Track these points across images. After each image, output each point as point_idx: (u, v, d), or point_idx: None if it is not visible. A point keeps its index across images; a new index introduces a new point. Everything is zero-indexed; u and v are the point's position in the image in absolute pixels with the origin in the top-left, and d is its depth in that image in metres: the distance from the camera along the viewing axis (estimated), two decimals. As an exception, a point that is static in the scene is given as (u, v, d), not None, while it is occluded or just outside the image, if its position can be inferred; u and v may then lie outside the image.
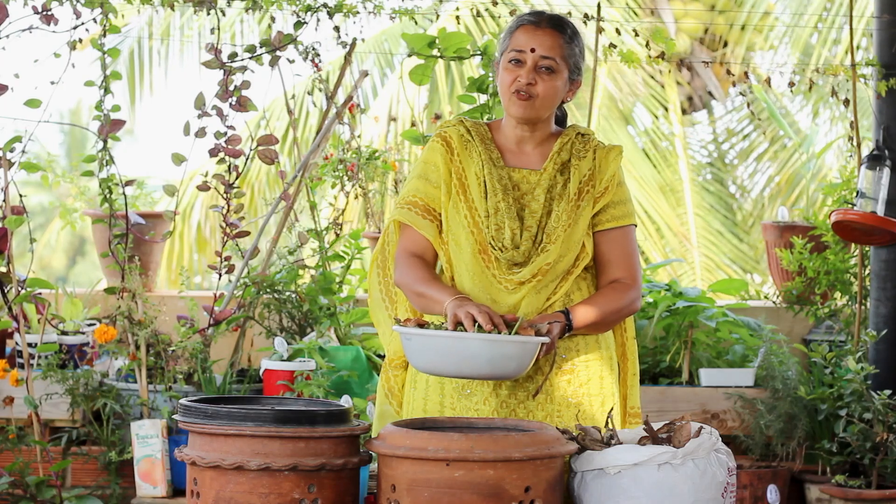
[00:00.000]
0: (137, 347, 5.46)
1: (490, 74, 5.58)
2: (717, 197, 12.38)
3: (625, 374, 3.59)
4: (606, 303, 3.45)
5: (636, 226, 3.59)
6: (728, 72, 6.59)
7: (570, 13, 6.18)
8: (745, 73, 6.52)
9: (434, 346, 3.20)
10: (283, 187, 5.80)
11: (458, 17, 9.69)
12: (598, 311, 3.43)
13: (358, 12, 5.78)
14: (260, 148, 5.35)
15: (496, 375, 3.23)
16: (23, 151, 5.25)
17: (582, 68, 3.54)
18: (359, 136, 6.14)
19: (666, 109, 12.23)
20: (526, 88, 3.44)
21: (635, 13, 11.75)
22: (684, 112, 12.85)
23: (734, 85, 12.45)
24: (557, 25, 3.49)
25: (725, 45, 12.67)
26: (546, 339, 3.25)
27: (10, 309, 5.27)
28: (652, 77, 11.94)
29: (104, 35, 5.41)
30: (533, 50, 3.45)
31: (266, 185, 11.36)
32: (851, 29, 6.15)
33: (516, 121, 3.51)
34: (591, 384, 3.47)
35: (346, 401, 4.35)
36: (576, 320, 3.39)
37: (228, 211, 5.43)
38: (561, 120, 3.63)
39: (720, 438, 3.18)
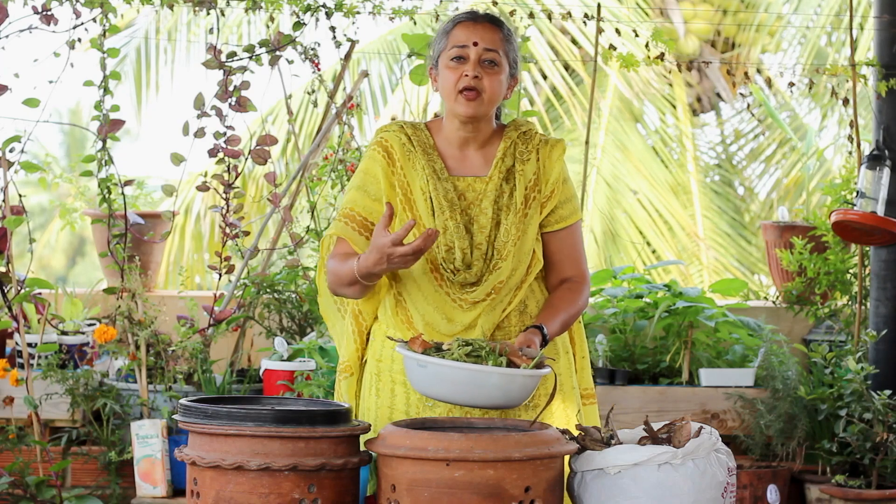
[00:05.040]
0: (137, 347, 5.46)
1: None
2: (724, 198, 12.38)
3: (574, 358, 3.59)
4: (568, 307, 3.44)
5: (582, 219, 3.56)
6: (728, 72, 6.59)
7: (570, 13, 6.18)
8: (745, 74, 6.52)
9: (451, 377, 3.16)
10: (281, 189, 5.80)
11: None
12: (563, 319, 3.42)
13: (358, 12, 5.78)
14: (255, 148, 5.35)
15: (504, 405, 3.22)
16: (22, 151, 5.25)
17: (519, 64, 3.50)
18: (348, 136, 6.11)
19: (675, 109, 12.23)
20: (473, 83, 3.39)
21: (646, 13, 11.75)
22: (694, 113, 12.86)
23: (734, 86, 12.46)
24: (494, 21, 3.46)
25: (734, 46, 12.67)
26: (549, 371, 3.24)
27: (10, 309, 5.27)
28: (663, 76, 11.94)
29: (104, 35, 5.41)
30: (475, 44, 3.40)
31: (274, 185, 11.32)
32: (851, 28, 6.15)
33: (461, 121, 3.44)
34: (549, 383, 3.45)
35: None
36: (549, 334, 3.38)
37: (228, 211, 5.43)
38: (497, 117, 3.57)
39: (720, 438, 3.18)
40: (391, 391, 3.44)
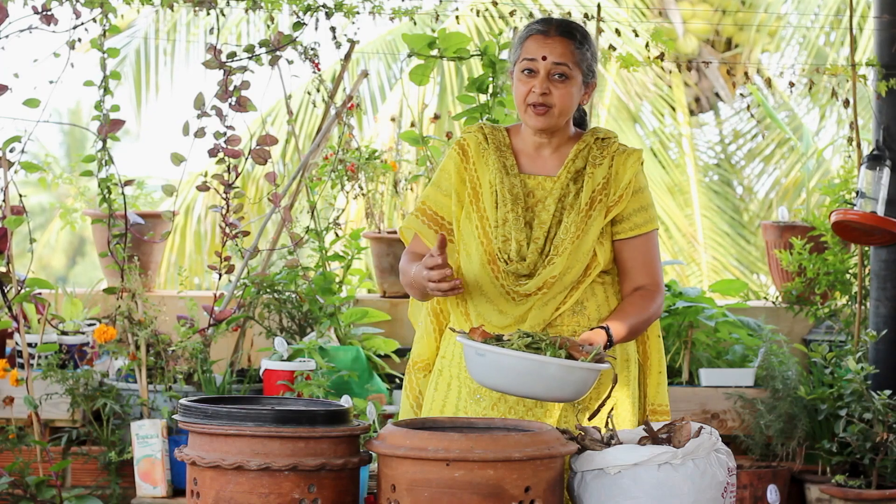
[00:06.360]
0: (137, 347, 5.46)
1: (490, 76, 5.59)
2: (723, 198, 12.38)
3: (647, 373, 3.57)
4: (637, 314, 3.44)
5: (658, 229, 3.56)
6: (728, 72, 6.59)
7: (569, 13, 6.18)
8: (745, 74, 6.52)
9: (508, 367, 3.16)
10: (281, 189, 5.80)
11: (458, 18, 9.68)
12: (631, 325, 3.42)
13: (358, 12, 5.78)
14: (255, 148, 5.35)
15: (560, 398, 3.23)
16: (22, 151, 5.25)
17: (595, 70, 3.52)
18: (347, 136, 6.12)
19: (673, 109, 12.23)
20: (542, 99, 3.43)
21: (643, 14, 11.75)
22: (692, 113, 12.85)
23: (733, 86, 12.45)
24: (567, 32, 3.47)
25: (734, 46, 12.67)
26: (608, 366, 3.25)
27: (10, 309, 5.28)
28: (660, 77, 11.94)
29: (104, 35, 5.41)
30: (544, 58, 3.43)
31: (274, 185, 11.30)
32: (851, 28, 6.15)
33: (533, 131, 3.51)
34: (604, 388, 3.45)
35: (346, 401, 4.35)
36: (615, 336, 3.38)
37: (228, 211, 5.43)
38: (580, 120, 3.61)
39: (720, 438, 3.18)
40: (447, 385, 3.50)
